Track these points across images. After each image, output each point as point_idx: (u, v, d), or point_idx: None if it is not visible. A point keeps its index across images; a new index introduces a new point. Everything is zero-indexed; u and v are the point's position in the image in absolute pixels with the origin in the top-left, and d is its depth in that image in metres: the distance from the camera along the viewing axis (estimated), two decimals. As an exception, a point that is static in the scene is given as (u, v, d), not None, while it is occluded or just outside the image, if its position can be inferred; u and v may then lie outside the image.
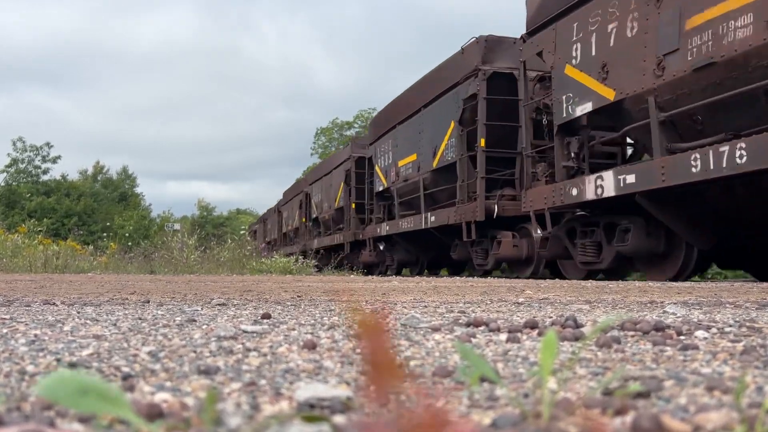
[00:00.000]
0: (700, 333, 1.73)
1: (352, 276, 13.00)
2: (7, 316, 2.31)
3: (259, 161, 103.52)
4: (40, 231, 16.68)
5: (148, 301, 3.29)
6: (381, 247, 16.51)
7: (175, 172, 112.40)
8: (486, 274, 12.10)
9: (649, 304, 3.20)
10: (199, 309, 2.75)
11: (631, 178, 7.43)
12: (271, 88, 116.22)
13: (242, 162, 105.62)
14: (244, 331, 1.80)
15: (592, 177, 8.06)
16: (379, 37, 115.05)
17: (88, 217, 38.54)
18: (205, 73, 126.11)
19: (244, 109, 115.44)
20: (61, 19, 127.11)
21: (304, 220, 24.81)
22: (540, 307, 3.00)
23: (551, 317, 2.37)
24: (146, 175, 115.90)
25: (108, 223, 36.57)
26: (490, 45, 11.06)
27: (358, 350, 1.43)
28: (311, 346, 1.45)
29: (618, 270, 8.98)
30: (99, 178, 45.45)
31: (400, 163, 14.86)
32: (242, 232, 25.11)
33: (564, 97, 8.63)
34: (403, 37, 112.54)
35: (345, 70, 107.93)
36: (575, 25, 8.65)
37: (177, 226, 26.09)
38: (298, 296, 3.91)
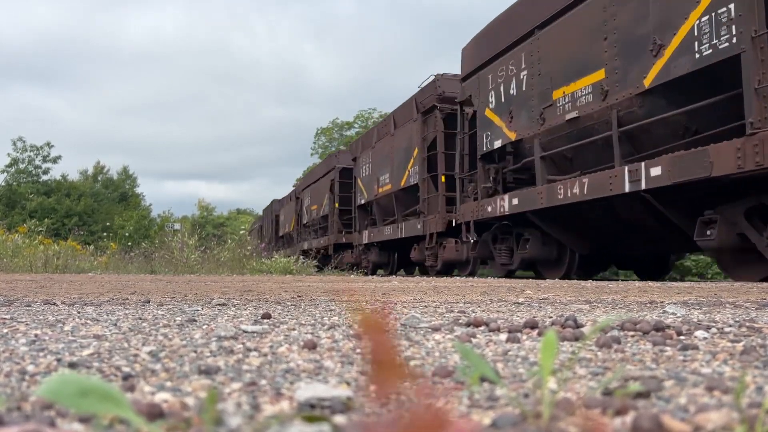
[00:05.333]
0: (699, 333, 1.73)
1: (352, 276, 13.00)
2: (8, 316, 2.31)
3: (257, 161, 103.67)
4: (40, 231, 16.68)
5: (149, 301, 3.29)
6: (474, 238, 11.51)
7: (172, 172, 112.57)
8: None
9: (648, 304, 3.20)
10: (200, 309, 2.75)
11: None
12: (265, 85, 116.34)
13: (239, 161, 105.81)
14: (245, 331, 1.80)
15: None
16: (372, 32, 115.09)
17: (89, 217, 38.53)
18: (197, 71, 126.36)
19: (239, 107, 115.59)
20: (48, 17, 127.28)
21: (336, 205, 19.64)
22: (540, 307, 3.00)
23: (551, 317, 2.37)
24: (143, 175, 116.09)
25: (108, 223, 36.54)
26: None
27: (359, 350, 1.43)
28: (311, 346, 1.45)
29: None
30: (99, 178, 45.44)
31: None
32: (242, 231, 24.34)
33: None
34: (397, 33, 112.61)
35: (339, 66, 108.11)
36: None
37: (177, 226, 25.69)
38: (299, 296, 3.92)
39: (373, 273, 16.75)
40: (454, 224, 12.15)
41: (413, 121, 13.92)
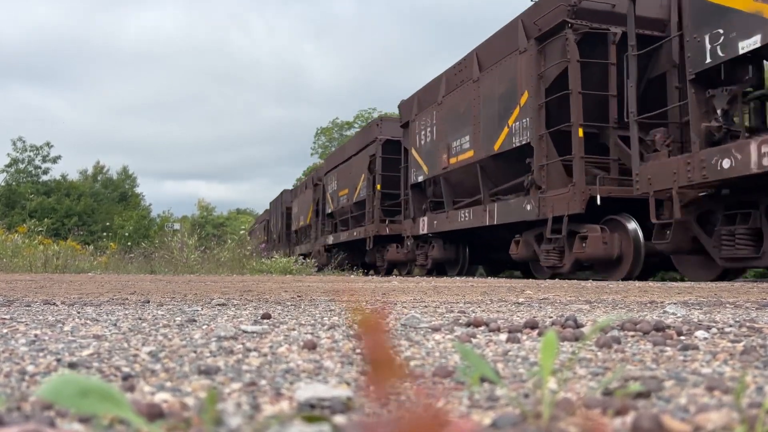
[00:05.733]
0: (700, 333, 1.73)
1: (352, 276, 12.98)
2: (8, 316, 2.31)
3: (257, 161, 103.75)
4: (40, 231, 16.68)
5: (148, 301, 3.29)
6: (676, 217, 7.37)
7: (172, 172, 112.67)
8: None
9: (649, 304, 3.20)
10: (199, 309, 2.75)
11: None
12: (265, 85, 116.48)
13: (239, 161, 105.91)
14: (245, 331, 1.80)
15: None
16: (372, 32, 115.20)
17: (88, 217, 38.54)
18: (197, 71, 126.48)
19: (238, 106, 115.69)
20: (48, 16, 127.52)
21: (378, 187, 15.53)
22: (540, 307, 3.00)
23: (551, 317, 2.37)
24: (143, 175, 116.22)
25: (108, 223, 36.55)
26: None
27: (358, 350, 1.43)
28: (311, 346, 1.45)
29: None
30: (99, 178, 45.47)
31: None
32: (242, 231, 23.68)
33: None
34: (396, 33, 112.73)
35: (339, 66, 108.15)
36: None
37: (177, 226, 25.51)
38: (298, 296, 3.91)
39: (430, 273, 13.12)
40: (599, 202, 8.08)
41: (519, 53, 9.56)
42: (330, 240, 19.37)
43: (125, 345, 1.51)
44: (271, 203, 32.85)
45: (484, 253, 12.51)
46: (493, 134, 10.26)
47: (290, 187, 30.35)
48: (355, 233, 16.83)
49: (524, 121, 9.39)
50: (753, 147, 6.02)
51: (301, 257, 16.49)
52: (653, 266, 8.90)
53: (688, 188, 6.96)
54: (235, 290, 4.78)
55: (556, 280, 8.49)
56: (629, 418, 0.80)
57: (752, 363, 1.25)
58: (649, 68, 8.64)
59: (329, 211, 20.03)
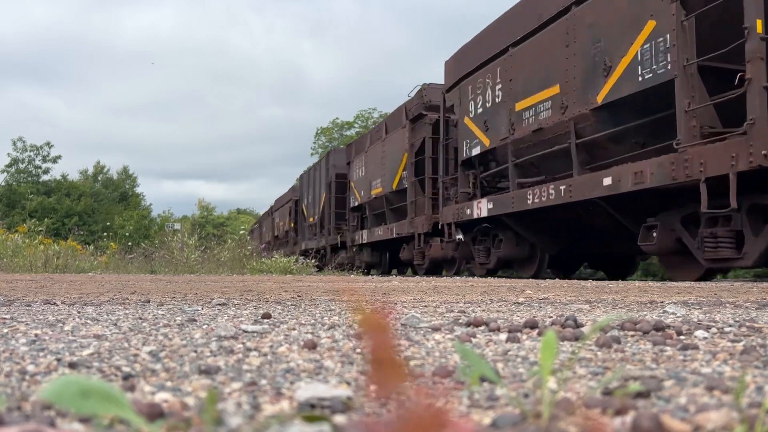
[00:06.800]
0: (699, 333, 1.73)
1: (352, 276, 12.98)
2: (8, 316, 2.31)
3: (256, 161, 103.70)
4: (40, 231, 16.68)
5: (149, 301, 3.29)
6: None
7: (171, 171, 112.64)
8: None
9: (649, 304, 3.20)
10: (200, 309, 2.75)
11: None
12: (264, 84, 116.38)
13: (238, 161, 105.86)
14: (245, 331, 1.80)
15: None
16: (371, 31, 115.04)
17: (89, 217, 38.55)
18: (195, 70, 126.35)
19: (238, 105, 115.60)
20: (45, 16, 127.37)
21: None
22: (540, 307, 3.00)
23: (551, 317, 2.37)
24: (142, 174, 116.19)
25: (108, 223, 36.56)
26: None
27: (359, 350, 1.43)
28: (311, 346, 1.45)
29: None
30: (99, 178, 45.47)
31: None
32: (242, 231, 23.30)
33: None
34: (396, 31, 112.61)
35: (338, 64, 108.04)
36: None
37: (177, 226, 25.48)
38: (299, 296, 3.92)
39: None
40: None
41: None
42: (482, 209, 10.11)
43: (126, 345, 1.51)
44: (301, 176, 24.34)
45: None
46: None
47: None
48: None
49: None
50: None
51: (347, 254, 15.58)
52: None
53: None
54: (236, 290, 4.78)
55: (556, 280, 8.51)
56: (629, 418, 0.80)
57: (752, 363, 1.25)
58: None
59: (470, 155, 10.88)
